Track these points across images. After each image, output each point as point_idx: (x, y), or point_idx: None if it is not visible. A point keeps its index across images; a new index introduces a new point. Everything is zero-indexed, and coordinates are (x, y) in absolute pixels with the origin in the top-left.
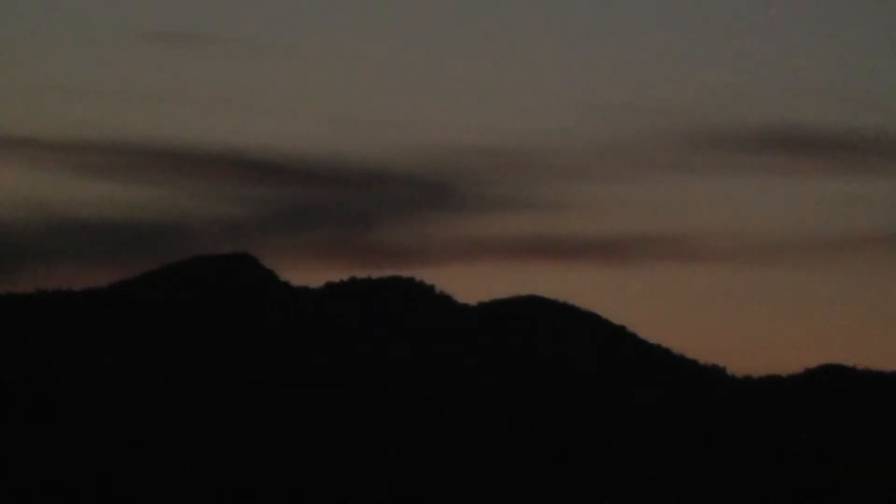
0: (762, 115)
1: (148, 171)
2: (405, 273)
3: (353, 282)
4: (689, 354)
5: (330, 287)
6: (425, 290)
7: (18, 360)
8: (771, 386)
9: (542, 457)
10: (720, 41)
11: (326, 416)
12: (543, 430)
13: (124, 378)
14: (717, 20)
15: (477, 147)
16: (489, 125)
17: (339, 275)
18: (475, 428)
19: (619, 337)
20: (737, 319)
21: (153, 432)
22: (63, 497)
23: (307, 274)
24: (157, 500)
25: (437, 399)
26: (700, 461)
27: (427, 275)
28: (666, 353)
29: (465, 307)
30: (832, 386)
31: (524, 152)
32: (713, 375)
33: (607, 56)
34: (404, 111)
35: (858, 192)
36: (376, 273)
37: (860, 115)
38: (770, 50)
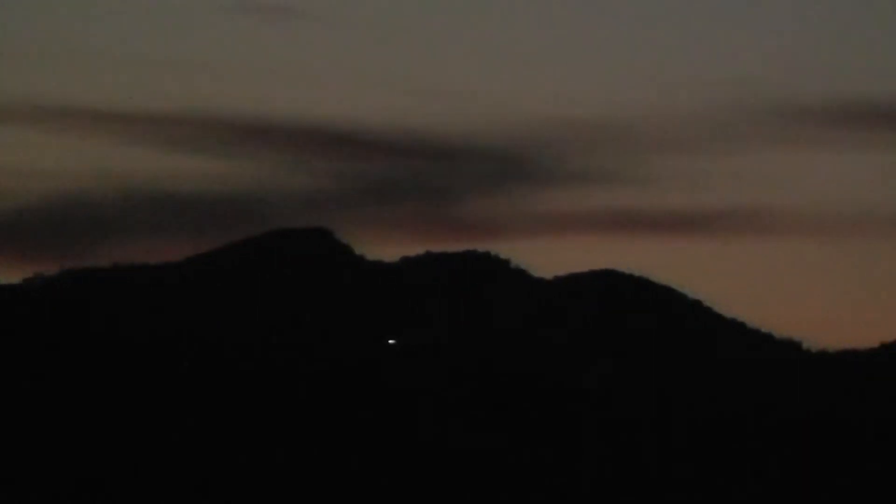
0: (848, 88)
1: (228, 145)
2: (481, 247)
3: (428, 256)
4: (765, 328)
5: (405, 261)
6: (500, 264)
7: (97, 334)
8: (847, 360)
9: (619, 429)
10: (808, 12)
11: (401, 392)
12: (618, 402)
13: (198, 351)
14: None
15: (557, 120)
16: (570, 97)
17: (415, 249)
18: (548, 401)
19: (693, 310)
20: (814, 293)
21: (230, 406)
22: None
23: (384, 248)
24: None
25: (509, 373)
26: (773, 434)
27: (505, 249)
28: (741, 326)
29: (541, 281)
30: None
31: (604, 125)
32: (789, 349)
33: (690, 28)
34: (484, 83)
35: None
36: (452, 247)
37: None
38: (859, 22)
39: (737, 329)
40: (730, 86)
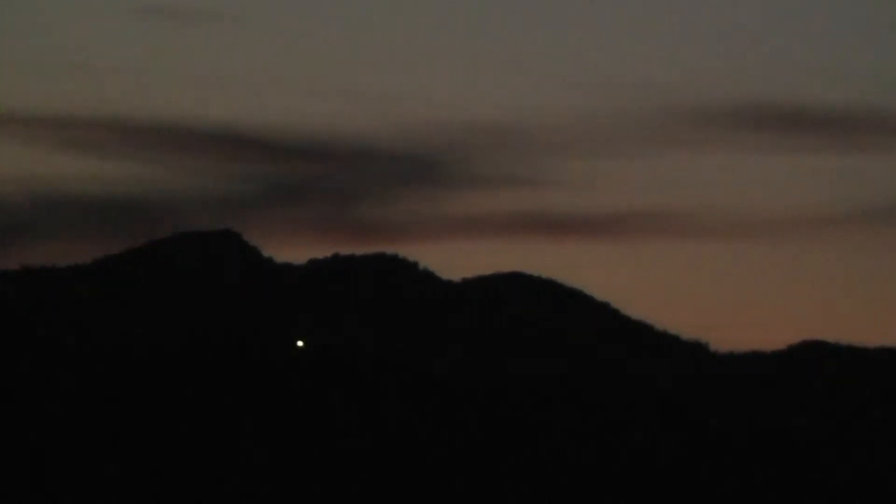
0: (757, 91)
1: (133, 147)
2: (389, 250)
3: (336, 258)
4: (672, 330)
5: (313, 264)
6: (408, 266)
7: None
8: (754, 361)
9: (528, 434)
10: (716, 17)
11: (306, 394)
12: (529, 406)
13: (107, 354)
14: None
15: (465, 123)
16: (478, 101)
17: (323, 251)
18: (457, 405)
19: (601, 312)
20: (720, 295)
21: (136, 410)
22: (51, 470)
23: (292, 251)
24: (143, 480)
25: (417, 376)
26: (681, 436)
27: (412, 252)
28: (648, 328)
29: (448, 284)
30: (814, 362)
31: (513, 128)
32: (696, 351)
33: (599, 31)
34: (390, 86)
35: (854, 169)
36: (360, 250)
37: (856, 92)
38: (767, 26)
39: (644, 330)
40: (633, 89)
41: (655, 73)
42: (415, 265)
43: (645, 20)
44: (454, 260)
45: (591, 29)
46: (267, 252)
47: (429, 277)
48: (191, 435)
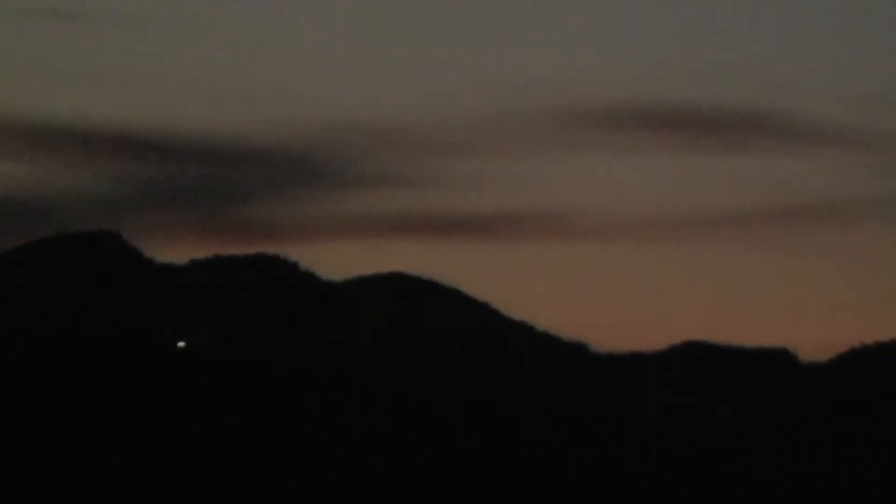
0: (639, 92)
1: (12, 147)
2: (270, 250)
3: (218, 259)
4: (554, 331)
5: (194, 264)
6: (289, 267)
7: None
8: (634, 362)
9: (405, 434)
10: (598, 18)
11: (187, 396)
12: (409, 406)
13: None
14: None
15: (344, 123)
16: (362, 101)
17: (204, 252)
18: (340, 405)
19: (481, 313)
20: (600, 296)
21: (11, 415)
22: None
23: (173, 251)
24: None
25: (301, 376)
26: (563, 435)
27: (294, 252)
28: (529, 329)
29: (329, 284)
30: (694, 362)
31: (396, 129)
32: (576, 351)
33: (473, 32)
34: (272, 87)
35: (736, 171)
36: (242, 250)
37: (739, 93)
38: (650, 27)
39: (524, 331)
40: (516, 90)
41: (538, 74)
42: (295, 265)
43: (528, 21)
44: (336, 260)
45: (476, 30)
46: (148, 253)
47: (309, 278)
48: (68, 436)
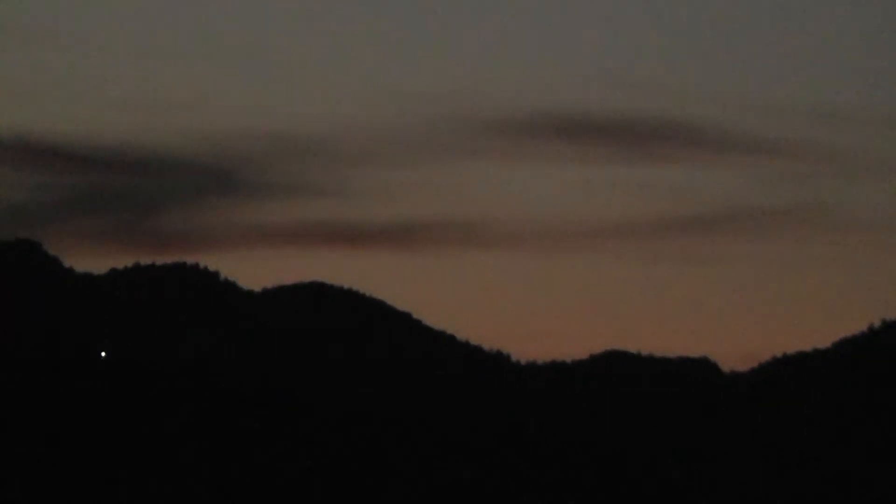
0: (548, 101)
1: None
2: (190, 259)
3: (138, 268)
4: (475, 341)
5: (114, 273)
6: (210, 277)
7: None
8: (555, 371)
9: (333, 442)
10: (504, 29)
11: (110, 405)
12: (334, 415)
13: None
14: (515, 6)
15: (263, 133)
16: (275, 111)
17: (124, 261)
18: (263, 414)
19: (404, 323)
20: (522, 305)
21: None
22: None
23: (92, 260)
24: None
25: (225, 384)
26: (485, 443)
27: (212, 261)
28: (451, 339)
29: (250, 293)
30: (615, 371)
31: (310, 139)
32: (498, 361)
33: (395, 43)
34: (190, 96)
35: (646, 180)
36: (161, 259)
37: (650, 103)
38: (559, 38)
39: (445, 341)
40: (438, 101)
41: (448, 83)
42: (216, 274)
43: (436, 31)
44: (254, 269)
45: (385, 40)
46: (68, 262)
47: (230, 287)
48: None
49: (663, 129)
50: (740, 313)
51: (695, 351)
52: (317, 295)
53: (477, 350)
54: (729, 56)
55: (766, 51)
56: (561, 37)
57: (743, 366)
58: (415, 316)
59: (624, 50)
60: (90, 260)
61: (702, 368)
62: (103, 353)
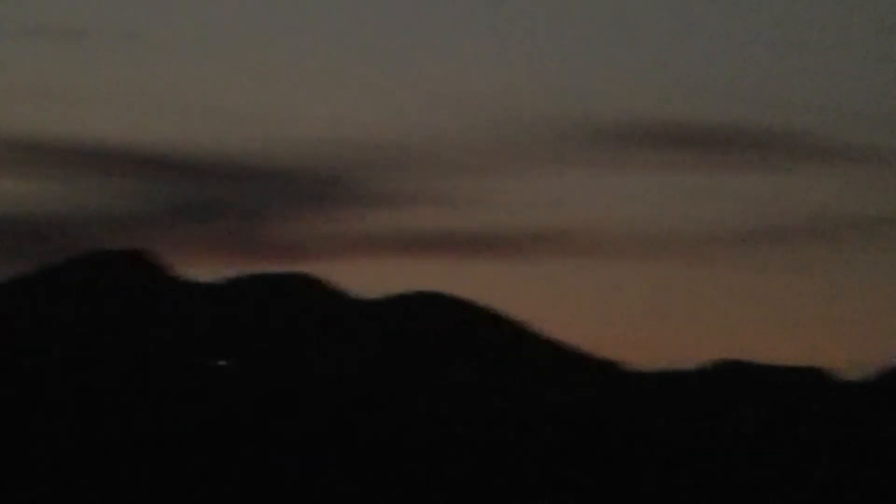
0: (651, 110)
1: (38, 167)
2: (298, 268)
3: (248, 277)
4: (583, 349)
5: (225, 282)
6: (320, 285)
7: None
8: (664, 381)
9: (446, 459)
10: (609, 35)
11: (222, 418)
12: (447, 431)
13: (16, 377)
14: (605, 14)
15: (369, 142)
16: (381, 120)
17: (231, 271)
18: (374, 428)
19: (518, 333)
20: (631, 314)
21: (41, 436)
22: None
23: (201, 269)
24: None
25: (334, 396)
26: (596, 455)
27: (322, 270)
28: (559, 347)
29: (360, 302)
30: (728, 381)
31: (417, 147)
32: (607, 370)
33: (500, 50)
34: (297, 106)
35: (742, 186)
36: (271, 268)
37: (747, 111)
38: (658, 45)
39: (554, 349)
40: (544, 109)
41: (551, 90)
42: (326, 283)
43: (539, 38)
44: (365, 278)
45: (487, 46)
46: (178, 271)
47: (340, 296)
48: (117, 454)
49: (763, 136)
50: (850, 321)
51: (805, 360)
52: (427, 303)
53: (586, 358)
54: (819, 62)
55: (857, 57)
56: (657, 46)
57: (856, 374)
58: (524, 324)
59: (720, 58)
60: (200, 269)
61: (814, 377)
62: (222, 363)
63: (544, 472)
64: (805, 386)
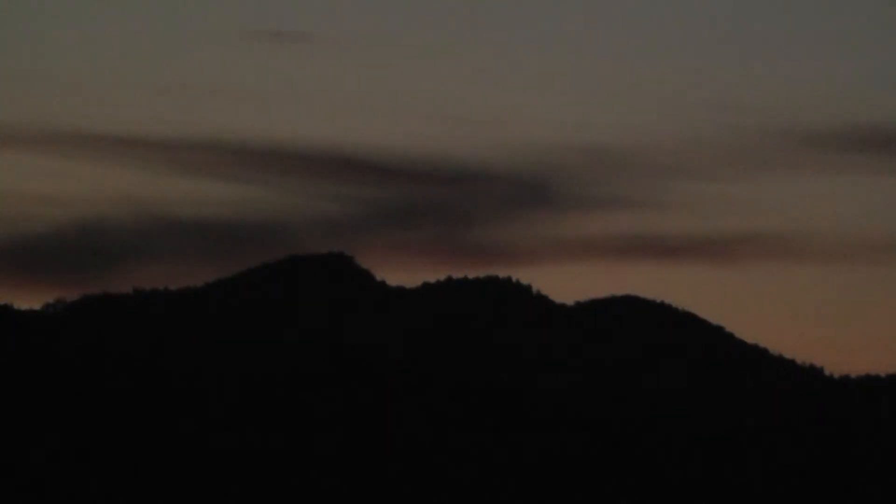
0: (865, 114)
1: (247, 170)
2: (503, 273)
3: (450, 282)
4: (788, 354)
5: (426, 287)
6: (522, 290)
7: (116, 360)
8: (868, 385)
9: (645, 458)
10: (825, 40)
11: (423, 416)
12: (643, 430)
13: (221, 377)
14: (822, 19)
15: (576, 145)
16: (588, 123)
17: (436, 275)
18: (573, 426)
19: (715, 337)
20: (836, 319)
21: (250, 430)
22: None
23: (404, 274)
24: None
25: (535, 397)
26: (802, 457)
27: (524, 274)
28: (763, 352)
29: (562, 307)
30: None
31: (623, 150)
32: (810, 375)
33: (709, 54)
34: (503, 110)
35: None
36: (473, 273)
37: None
38: (874, 49)
39: (758, 355)
40: (752, 113)
41: (760, 95)
42: (528, 288)
43: (750, 45)
44: (565, 283)
45: (698, 53)
46: (379, 275)
47: (542, 300)
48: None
49: None
50: None
51: None
52: (630, 308)
53: (789, 363)
54: None
55: None
56: (868, 49)
57: None
58: (727, 329)
59: None
60: (402, 273)
61: None
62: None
63: (755, 474)
64: None
